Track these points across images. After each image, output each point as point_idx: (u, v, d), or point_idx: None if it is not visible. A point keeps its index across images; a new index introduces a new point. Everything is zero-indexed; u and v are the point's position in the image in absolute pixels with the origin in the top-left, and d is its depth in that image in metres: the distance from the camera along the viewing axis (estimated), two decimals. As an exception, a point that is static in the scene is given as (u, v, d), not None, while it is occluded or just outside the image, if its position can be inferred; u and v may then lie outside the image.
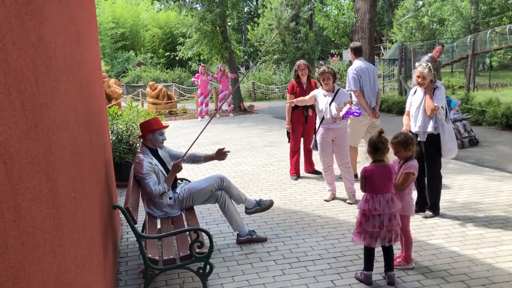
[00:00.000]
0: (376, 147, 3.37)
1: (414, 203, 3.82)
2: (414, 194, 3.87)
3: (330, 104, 5.25)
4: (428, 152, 4.67)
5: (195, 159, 4.45)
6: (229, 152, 4.45)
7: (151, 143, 4.08)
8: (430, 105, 4.52)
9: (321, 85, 5.42)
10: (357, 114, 5.23)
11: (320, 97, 5.37)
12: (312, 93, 5.55)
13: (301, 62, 6.49)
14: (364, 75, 5.99)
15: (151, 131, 4.03)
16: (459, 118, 8.38)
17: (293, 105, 6.29)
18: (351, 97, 5.82)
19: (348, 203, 5.31)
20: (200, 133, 4.30)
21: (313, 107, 6.32)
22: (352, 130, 5.97)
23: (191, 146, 4.23)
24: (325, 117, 5.29)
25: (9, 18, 1.27)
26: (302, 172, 6.75)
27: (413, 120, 4.73)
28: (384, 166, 3.39)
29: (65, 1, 2.36)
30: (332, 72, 5.38)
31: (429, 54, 9.09)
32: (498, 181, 5.91)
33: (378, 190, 3.34)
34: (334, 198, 5.52)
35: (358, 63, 6.06)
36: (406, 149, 3.64)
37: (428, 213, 4.76)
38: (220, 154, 4.39)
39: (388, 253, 3.43)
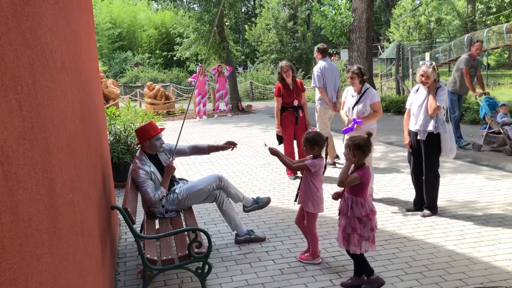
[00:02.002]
0: (364, 150, 3.24)
1: (323, 202, 3.80)
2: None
3: (353, 107, 5.08)
4: (427, 151, 4.68)
5: (199, 151, 4.45)
6: (236, 144, 4.40)
7: (149, 149, 4.08)
8: (432, 104, 4.51)
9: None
10: (359, 122, 5.05)
11: (348, 97, 5.22)
12: (342, 98, 5.33)
13: (283, 63, 6.45)
14: (328, 74, 6.87)
15: (148, 139, 4.02)
16: (508, 122, 7.27)
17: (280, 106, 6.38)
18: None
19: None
20: (181, 131, 4.27)
21: (302, 108, 6.37)
22: (320, 122, 7.00)
23: (176, 145, 4.24)
24: (348, 118, 5.15)
25: (6, 18, 1.26)
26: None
27: (414, 119, 4.73)
28: (368, 168, 3.34)
29: (62, 1, 2.36)
30: (357, 71, 5.02)
31: (468, 53, 8.12)
32: (496, 180, 5.92)
33: (366, 192, 3.30)
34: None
35: (322, 63, 6.95)
36: (311, 147, 3.66)
37: (426, 212, 4.77)
38: (226, 147, 4.36)
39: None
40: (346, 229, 3.27)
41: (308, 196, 3.71)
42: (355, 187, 3.25)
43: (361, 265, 3.35)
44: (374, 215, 3.28)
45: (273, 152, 3.80)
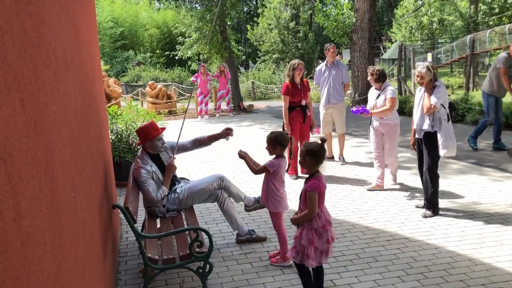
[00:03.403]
0: (318, 157, 3.07)
1: (286, 199, 3.78)
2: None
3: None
4: (425, 150, 4.75)
5: (200, 143, 4.45)
6: (232, 130, 4.38)
7: (150, 149, 4.07)
8: (426, 103, 4.62)
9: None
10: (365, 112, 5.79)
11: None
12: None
13: (298, 61, 6.44)
14: None
15: (149, 139, 4.01)
16: None
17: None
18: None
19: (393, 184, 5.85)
20: (181, 131, 4.27)
21: (309, 107, 6.39)
22: (343, 118, 7.35)
23: (177, 143, 4.24)
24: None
25: (9, 17, 1.26)
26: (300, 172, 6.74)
27: (414, 118, 4.85)
28: (322, 176, 3.15)
29: (65, 0, 2.36)
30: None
31: (506, 51, 7.56)
32: (498, 181, 5.91)
33: (323, 202, 3.13)
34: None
35: None
36: (274, 147, 3.65)
37: (427, 212, 4.78)
38: (225, 134, 4.34)
39: (322, 271, 3.22)
40: (302, 241, 3.06)
41: (268, 195, 3.73)
42: None
43: (306, 278, 3.18)
44: (331, 226, 3.11)
45: (241, 156, 3.83)
